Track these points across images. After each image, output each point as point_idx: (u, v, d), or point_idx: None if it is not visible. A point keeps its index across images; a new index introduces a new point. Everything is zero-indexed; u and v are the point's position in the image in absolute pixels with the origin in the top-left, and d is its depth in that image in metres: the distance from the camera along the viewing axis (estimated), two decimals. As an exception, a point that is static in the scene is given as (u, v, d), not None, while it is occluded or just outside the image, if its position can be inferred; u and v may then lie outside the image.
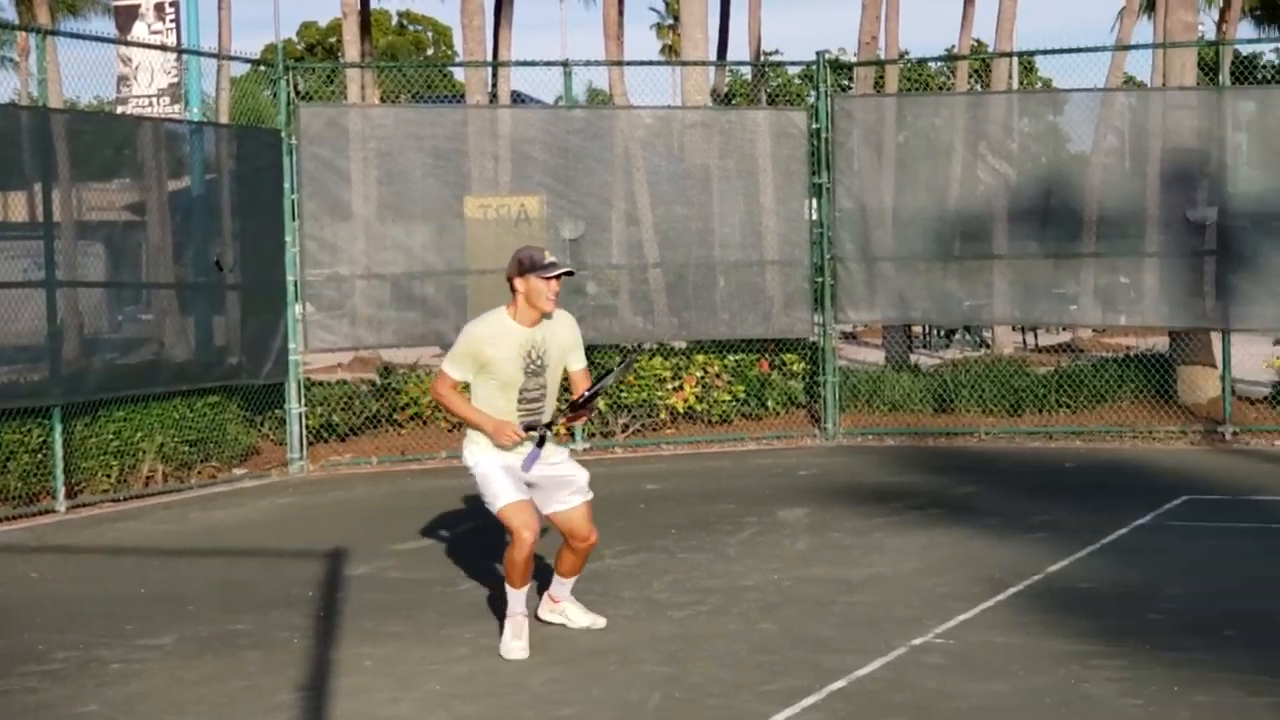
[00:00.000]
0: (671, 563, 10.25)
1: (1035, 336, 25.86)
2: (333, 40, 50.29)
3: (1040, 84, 49.39)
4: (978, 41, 41.76)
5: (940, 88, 39.54)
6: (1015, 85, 34.06)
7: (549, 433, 8.00)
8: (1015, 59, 30.34)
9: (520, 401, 7.94)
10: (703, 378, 16.56)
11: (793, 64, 27.13)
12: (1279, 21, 47.73)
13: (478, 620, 8.73)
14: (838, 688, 7.18)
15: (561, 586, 8.49)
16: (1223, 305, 15.43)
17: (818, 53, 16.79)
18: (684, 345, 16.96)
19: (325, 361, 22.28)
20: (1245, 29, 48.50)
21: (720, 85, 24.44)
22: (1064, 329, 24.16)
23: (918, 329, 23.90)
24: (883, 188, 16.62)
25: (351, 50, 23.52)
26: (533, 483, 8.02)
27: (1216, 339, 16.00)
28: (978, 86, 28.66)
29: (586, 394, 8.03)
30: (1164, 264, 15.81)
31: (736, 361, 16.71)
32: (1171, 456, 14.64)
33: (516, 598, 8.01)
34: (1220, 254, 15.47)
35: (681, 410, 16.51)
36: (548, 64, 16.79)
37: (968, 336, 26.29)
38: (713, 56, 24.02)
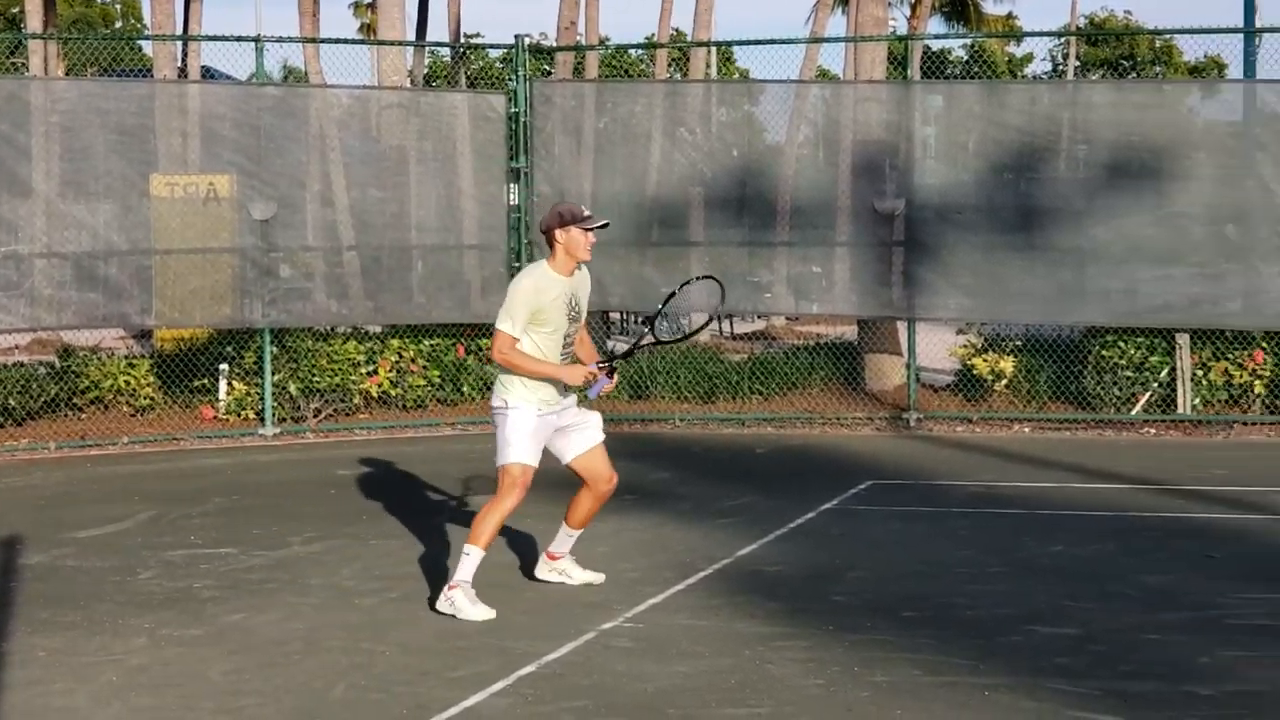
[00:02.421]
0: (361, 549, 10.09)
1: (730, 324, 26.20)
2: (15, 10, 48.54)
3: (738, 74, 50.16)
4: (677, 31, 42.26)
5: (640, 75, 39.86)
6: (714, 75, 34.46)
7: (616, 365, 8.59)
8: (714, 49, 30.75)
9: (564, 347, 8.48)
10: (398, 362, 16.36)
11: (492, 46, 26.97)
12: (967, 18, 49.28)
13: (156, 610, 8.47)
14: (526, 673, 7.14)
15: (565, 541, 8.92)
16: (909, 295, 15.82)
17: (516, 36, 16.71)
18: (379, 329, 16.73)
19: (2, 343, 21.44)
20: (935, 25, 49.99)
21: (419, 67, 24.22)
22: (758, 317, 24.52)
23: (615, 315, 23.98)
24: (581, 173, 16.62)
25: (34, 21, 22.62)
26: (562, 427, 8.53)
27: (903, 328, 16.40)
28: (677, 75, 28.97)
29: (646, 335, 8.93)
30: (854, 254, 16.14)
31: (432, 346, 16.54)
32: (858, 442, 14.96)
33: (474, 560, 8.28)
34: (908, 245, 15.85)
35: (376, 395, 16.29)
36: (239, 39, 16.40)
37: (665, 324, 26.50)
38: (411, 37, 23.81)
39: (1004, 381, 16.03)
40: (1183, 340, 15.25)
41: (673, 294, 9.27)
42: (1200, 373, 15.29)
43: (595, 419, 8.75)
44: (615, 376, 8.60)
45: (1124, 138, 15.44)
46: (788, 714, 6.53)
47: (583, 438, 8.69)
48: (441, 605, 8.29)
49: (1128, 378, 15.45)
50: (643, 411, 16.47)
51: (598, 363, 8.56)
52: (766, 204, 16.46)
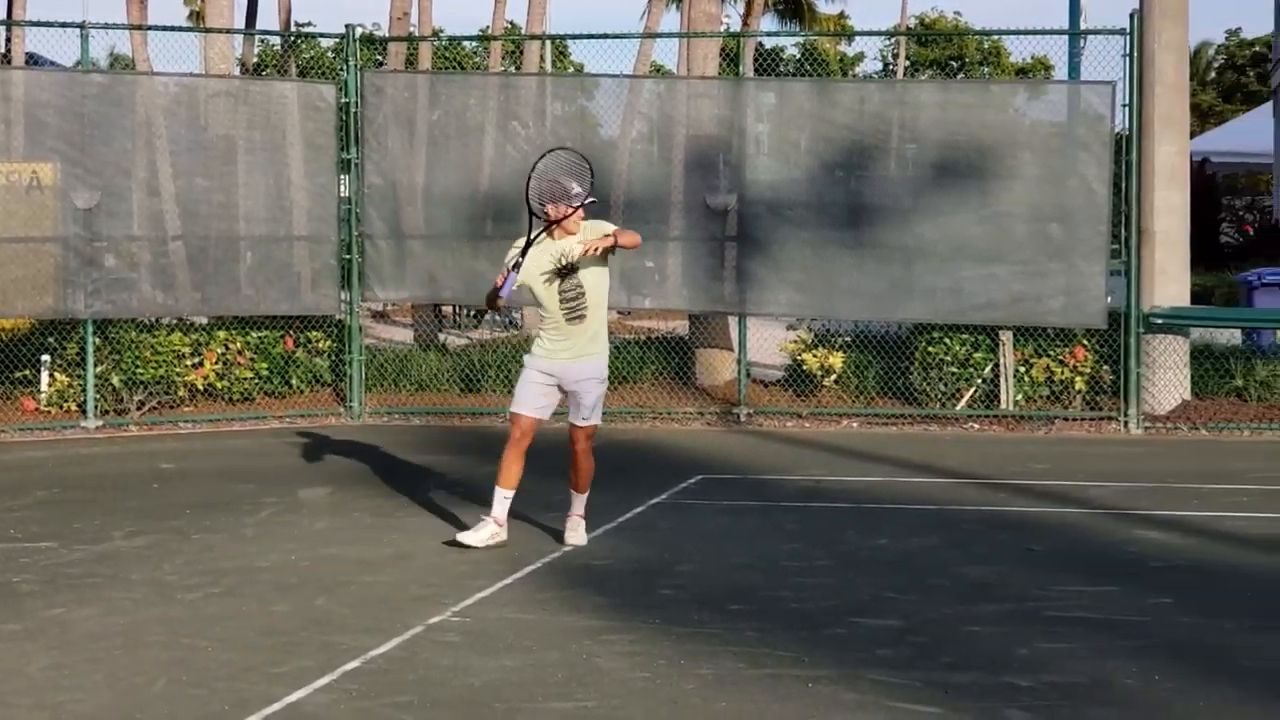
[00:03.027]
0: (185, 544, 9.94)
1: (564, 318, 26.11)
2: None
3: (573, 69, 50.16)
4: (511, 24, 42.13)
5: (475, 68, 39.68)
6: (548, 69, 34.41)
7: (518, 262, 9.43)
8: (548, 42, 30.71)
9: (563, 301, 9.45)
10: (224, 354, 16.14)
11: (323, 36, 26.66)
12: (800, 16, 49.67)
13: (-29, 605, 8.27)
14: (351, 668, 7.08)
15: (578, 502, 9.90)
16: (740, 290, 15.93)
17: (347, 26, 16.58)
18: (205, 321, 16.49)
19: None
20: (768, 22, 50.33)
21: (249, 55, 23.90)
22: (591, 311, 24.48)
23: (448, 309, 23.86)
24: (414, 166, 16.51)
25: None
26: (568, 392, 9.66)
27: (734, 323, 16.51)
28: (512, 68, 28.87)
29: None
30: (686, 249, 16.22)
31: (260, 338, 16.33)
32: (689, 437, 15.04)
33: (499, 496, 9.68)
34: (740, 240, 15.96)
35: (201, 387, 16.06)
36: (65, 25, 16.06)
37: (497, 317, 26.41)
38: (241, 24, 23.46)
39: (833, 377, 16.21)
40: (1006, 337, 15.53)
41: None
42: (1023, 369, 15.58)
43: (594, 410, 9.77)
44: (518, 272, 9.42)
45: (951, 137, 15.68)
46: (614, 707, 6.54)
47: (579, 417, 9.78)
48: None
49: (953, 374, 15.70)
50: (474, 405, 16.42)
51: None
52: (600, 198, 16.42)
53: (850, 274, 15.71)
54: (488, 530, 9.64)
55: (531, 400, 9.65)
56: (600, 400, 9.74)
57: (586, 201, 9.44)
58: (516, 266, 9.42)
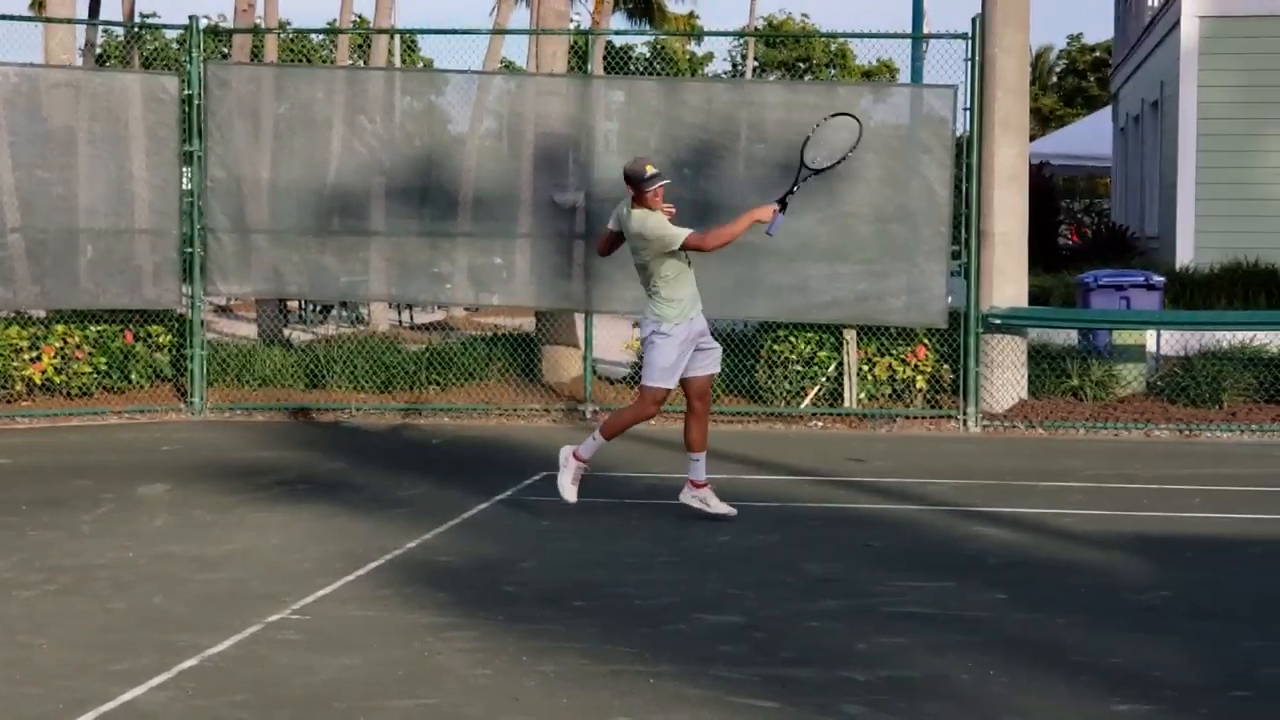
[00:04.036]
0: (20, 541, 9.77)
1: (410, 314, 26.07)
2: None
3: (422, 64, 49.89)
4: (359, 17, 41.79)
5: (323, 62, 39.34)
6: (397, 64, 34.21)
7: (786, 200, 10.32)
8: (397, 37, 30.53)
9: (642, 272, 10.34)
10: (62, 348, 15.87)
11: (166, 27, 26.33)
12: (650, 16, 49.84)
13: None
14: (188, 666, 7.01)
15: (697, 466, 10.36)
16: (588, 287, 15.96)
17: (191, 17, 16.34)
18: (44, 314, 16.20)
19: None
20: (618, 21, 50.42)
21: (93, 44, 23.52)
22: (439, 307, 24.45)
23: (294, 304, 23.65)
24: (259, 159, 16.33)
25: None
26: (702, 348, 10.31)
27: (580, 320, 16.53)
28: (360, 63, 28.67)
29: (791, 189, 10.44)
30: (535, 245, 16.23)
31: (99, 332, 16.08)
32: (534, 433, 15.05)
33: (595, 446, 10.27)
34: (587, 238, 15.98)
35: (39, 382, 15.78)
36: (-102, 10, 15.68)
37: (344, 313, 26.27)
38: (84, 15, 23.09)
39: (679, 375, 16.26)
40: (850, 336, 15.72)
41: (817, 125, 10.91)
42: (866, 368, 15.78)
43: (718, 351, 10.45)
44: (785, 211, 10.21)
45: (798, 138, 15.71)
46: (455, 704, 6.54)
47: (712, 359, 10.41)
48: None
49: (798, 372, 15.85)
50: (318, 400, 16.29)
51: (777, 199, 10.20)
52: (448, 195, 16.41)
53: (697, 272, 15.73)
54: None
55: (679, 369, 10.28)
56: None
57: (661, 184, 10.11)
58: (784, 207, 10.17)
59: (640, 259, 10.27)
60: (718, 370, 10.58)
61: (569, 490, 10.31)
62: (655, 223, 10.10)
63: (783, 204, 10.22)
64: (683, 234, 10.07)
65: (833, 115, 11.11)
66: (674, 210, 10.37)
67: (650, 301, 10.30)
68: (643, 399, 10.30)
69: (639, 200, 10.17)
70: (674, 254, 10.17)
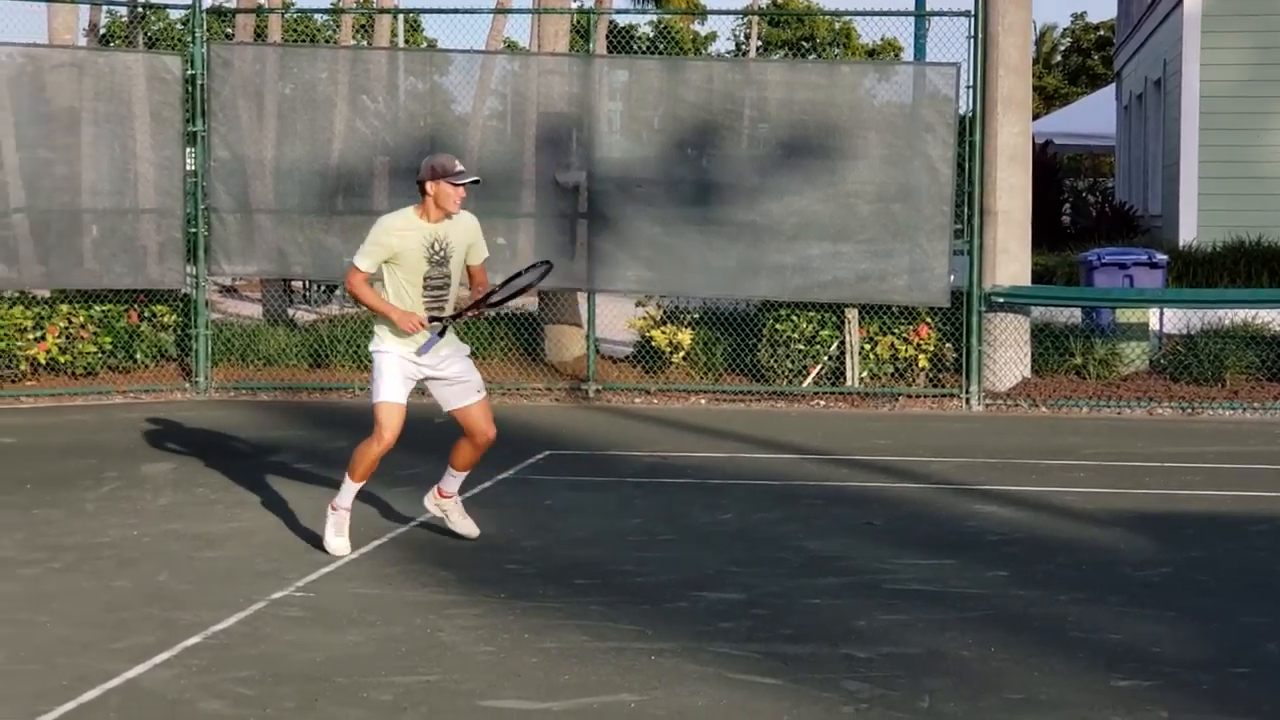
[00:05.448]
0: (24, 519, 9.80)
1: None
2: None
3: (425, 44, 49.84)
4: (364, -3, 41.68)
5: (326, 42, 39.30)
6: (400, 44, 34.19)
7: (449, 325, 8.74)
8: (401, 17, 30.49)
9: (426, 289, 8.70)
10: (67, 328, 15.90)
11: (171, 6, 26.26)
12: (654, -7, 49.68)
13: None
14: (192, 643, 7.04)
15: (452, 480, 9.11)
16: (590, 267, 15.97)
17: (194, -3, 16.35)
18: (48, 294, 16.23)
19: None
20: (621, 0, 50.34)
21: (96, 25, 23.49)
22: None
23: (298, 284, 23.65)
24: (263, 139, 16.34)
25: None
26: (436, 378, 8.83)
27: (583, 299, 16.56)
28: (363, 43, 28.59)
29: (496, 290, 8.86)
30: (538, 225, 16.23)
31: (104, 312, 16.11)
32: (537, 413, 15.07)
33: (349, 491, 8.82)
34: (590, 217, 16.00)
35: (44, 361, 15.81)
36: (-99, -10, 15.69)
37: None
38: (87, -5, 23.02)
39: (682, 354, 16.31)
40: (852, 315, 15.73)
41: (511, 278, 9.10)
42: (868, 346, 15.79)
43: (476, 379, 8.99)
44: (446, 334, 8.75)
45: (801, 117, 15.83)
46: (457, 681, 6.57)
47: (461, 392, 8.91)
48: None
49: (799, 351, 15.87)
50: (322, 380, 16.32)
51: (431, 318, 8.70)
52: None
53: (700, 251, 15.82)
54: None
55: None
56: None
57: (469, 181, 8.69)
58: (443, 331, 8.69)
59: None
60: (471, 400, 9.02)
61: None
62: None
63: (441, 328, 8.70)
64: (356, 256, 8.84)
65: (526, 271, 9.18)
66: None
67: None
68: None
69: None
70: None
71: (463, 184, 8.69)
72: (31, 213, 15.59)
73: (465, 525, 9.23)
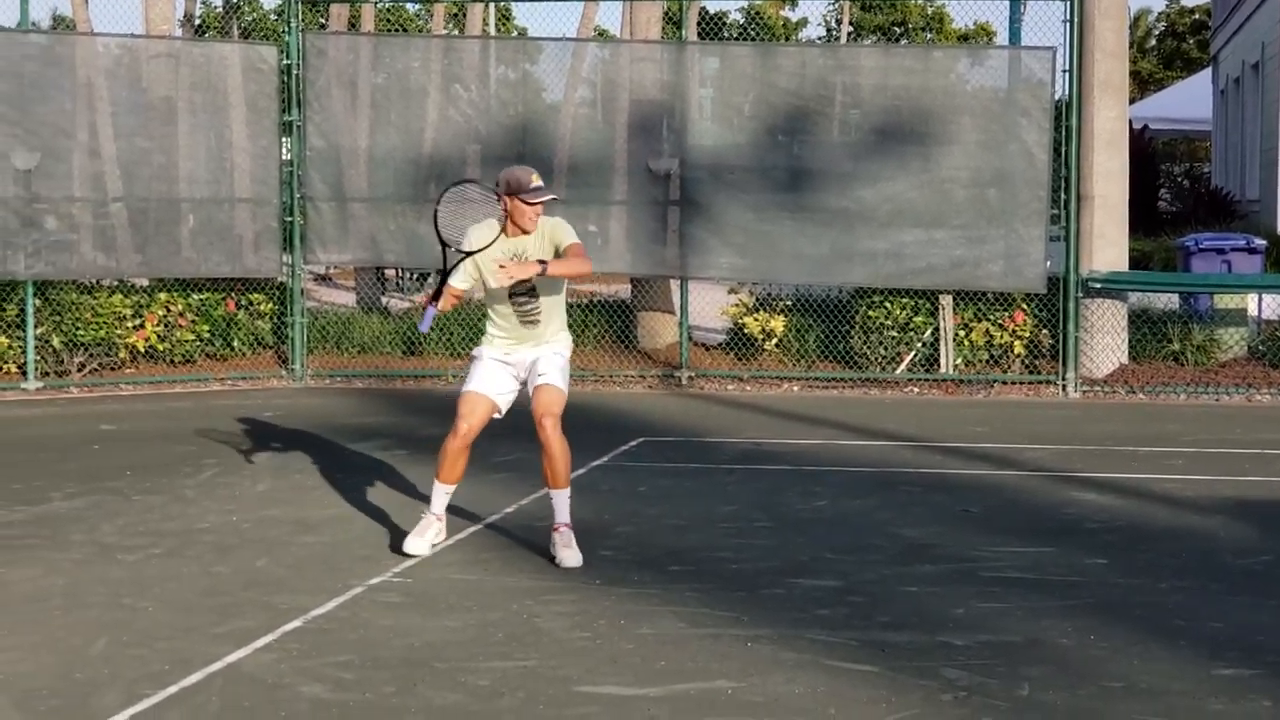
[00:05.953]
0: (125, 505, 9.92)
1: (507, 282, 26.10)
2: None
3: (516, 32, 50.00)
4: (455, -13, 41.89)
5: (418, 30, 39.52)
6: (491, 32, 34.31)
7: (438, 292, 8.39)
8: (492, 5, 30.59)
9: (513, 300, 8.50)
10: (165, 316, 16.08)
11: (267, -1, 26.56)
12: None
13: (-90, 567, 8.24)
14: (292, 628, 7.09)
15: (555, 508, 8.48)
16: (683, 254, 15.97)
17: (289, -13, 16.48)
18: (146, 283, 16.42)
19: None
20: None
21: (191, 16, 23.75)
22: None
23: (391, 272, 23.80)
24: (356, 128, 16.46)
25: None
26: (528, 380, 8.59)
27: (676, 286, 16.56)
28: (455, 31, 28.75)
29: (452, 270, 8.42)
30: (629, 212, 16.25)
31: (201, 300, 16.28)
32: (630, 400, 15.09)
33: (435, 493, 8.55)
34: (682, 204, 16.00)
35: (143, 349, 16.00)
36: (3, -16, 15.89)
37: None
38: (183, -14, 23.28)
39: (774, 340, 16.28)
40: (946, 301, 15.63)
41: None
42: (962, 333, 15.69)
43: (552, 371, 8.64)
44: (441, 302, 8.41)
45: (893, 103, 15.75)
46: (553, 666, 6.58)
47: (536, 382, 8.62)
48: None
49: (893, 338, 15.80)
50: (416, 368, 16.42)
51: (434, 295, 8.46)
52: (543, 162, 16.42)
53: (792, 238, 15.78)
54: None
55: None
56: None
57: (545, 199, 8.36)
58: (435, 297, 8.45)
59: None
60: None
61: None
62: None
63: (433, 296, 8.49)
64: None
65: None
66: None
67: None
68: None
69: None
70: None
71: (537, 201, 8.31)
72: (129, 202, 15.79)
73: (572, 557, 8.36)
